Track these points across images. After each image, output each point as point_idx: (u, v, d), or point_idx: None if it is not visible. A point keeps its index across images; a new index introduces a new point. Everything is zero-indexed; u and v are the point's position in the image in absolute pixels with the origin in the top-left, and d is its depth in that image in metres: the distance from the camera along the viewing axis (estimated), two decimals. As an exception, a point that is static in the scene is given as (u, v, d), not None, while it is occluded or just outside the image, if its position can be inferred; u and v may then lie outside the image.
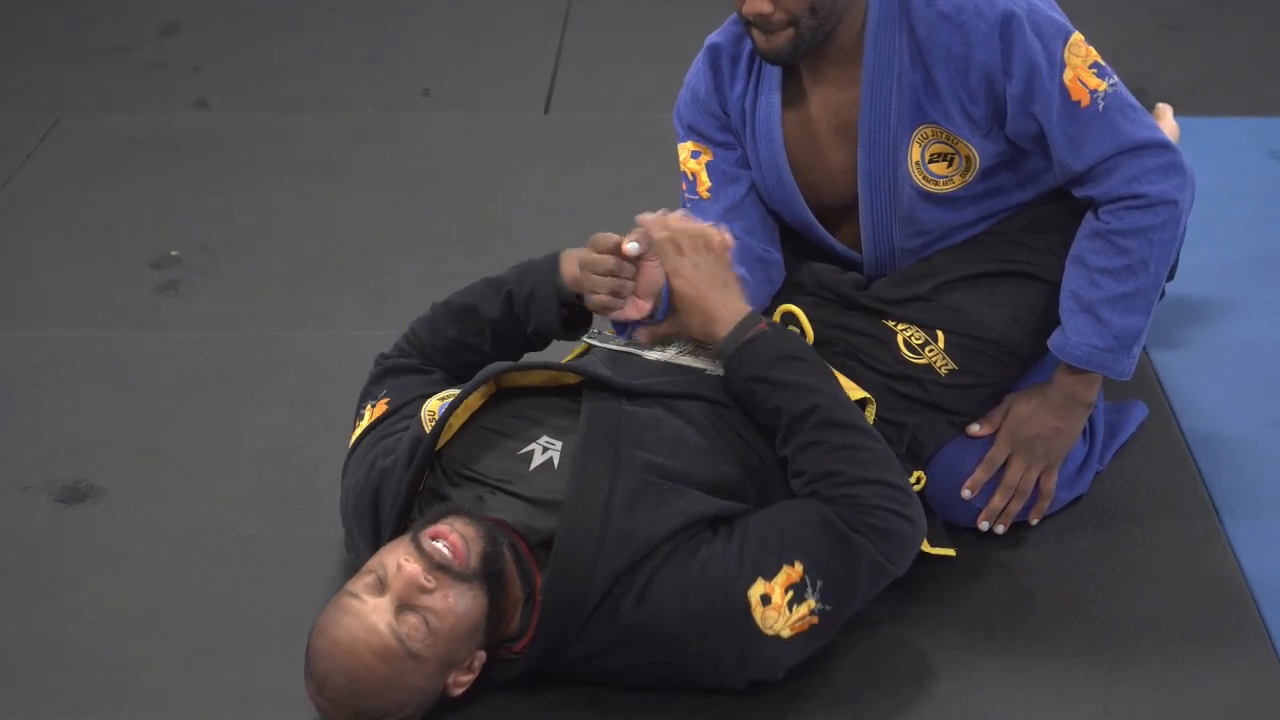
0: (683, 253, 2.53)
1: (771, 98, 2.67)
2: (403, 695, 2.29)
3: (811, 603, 2.34)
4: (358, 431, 2.65)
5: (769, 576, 2.33)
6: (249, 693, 2.47)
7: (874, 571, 2.37)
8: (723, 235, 2.56)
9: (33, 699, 2.47)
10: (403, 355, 2.74)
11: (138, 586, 2.69)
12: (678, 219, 2.57)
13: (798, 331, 2.62)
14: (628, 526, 2.33)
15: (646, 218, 2.56)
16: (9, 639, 2.59)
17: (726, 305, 2.52)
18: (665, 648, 2.35)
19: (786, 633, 2.33)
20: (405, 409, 2.62)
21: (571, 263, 2.64)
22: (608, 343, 2.65)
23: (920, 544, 2.43)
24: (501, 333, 2.69)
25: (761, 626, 2.33)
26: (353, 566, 2.54)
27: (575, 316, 2.68)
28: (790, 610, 2.33)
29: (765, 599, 2.32)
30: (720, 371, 2.55)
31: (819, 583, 2.33)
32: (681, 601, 2.32)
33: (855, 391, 2.59)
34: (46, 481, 2.92)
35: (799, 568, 2.33)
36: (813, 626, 2.34)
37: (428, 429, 2.46)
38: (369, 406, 2.68)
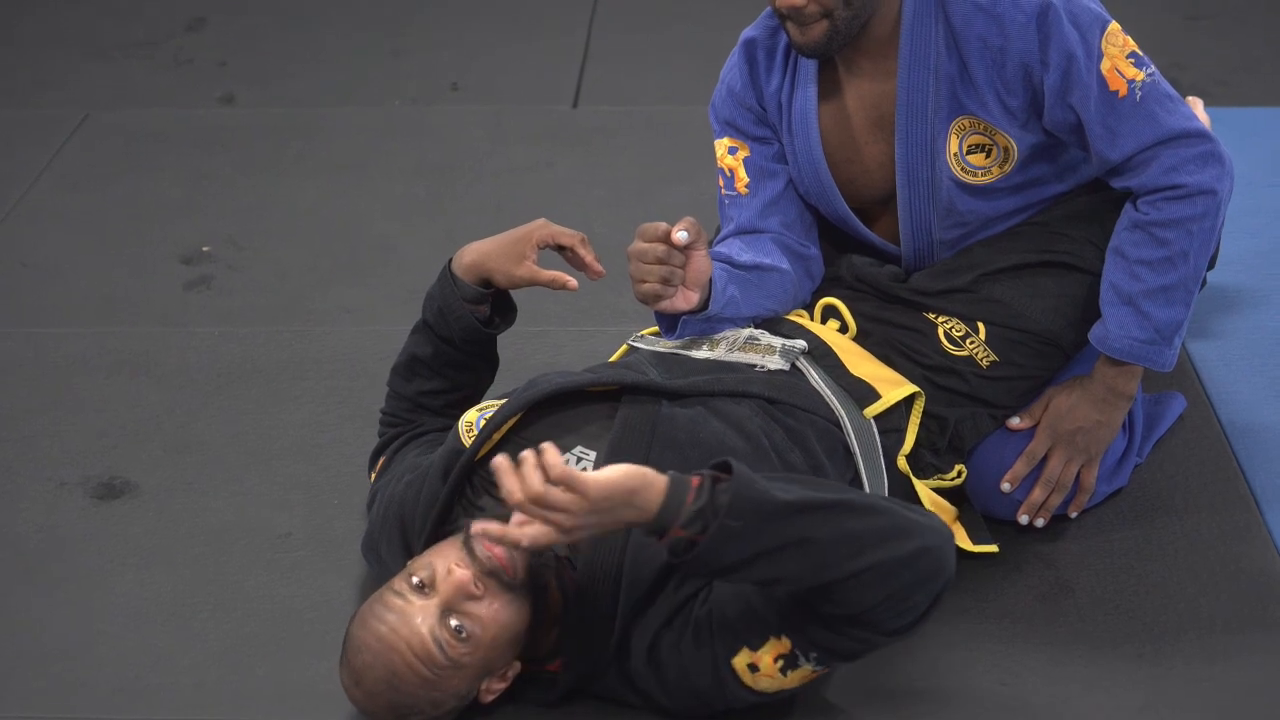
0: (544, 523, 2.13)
1: (807, 91, 2.66)
2: (438, 696, 2.28)
3: (808, 668, 2.27)
4: (373, 478, 2.70)
5: (755, 646, 2.26)
6: (283, 687, 2.47)
7: (878, 645, 2.26)
8: (553, 463, 2.10)
9: (68, 693, 2.47)
10: (382, 436, 2.75)
11: (172, 581, 2.69)
12: (510, 485, 2.11)
13: (839, 325, 2.55)
14: (645, 541, 2.29)
15: (497, 463, 2.12)
16: (45, 633, 2.59)
17: (634, 515, 2.13)
18: (674, 702, 2.32)
19: (790, 687, 2.29)
20: (408, 448, 2.65)
21: (463, 255, 2.64)
22: (653, 344, 2.64)
23: (930, 609, 2.22)
24: (445, 363, 2.69)
25: (754, 688, 2.28)
26: (376, 574, 2.55)
27: (495, 307, 2.69)
28: (785, 675, 2.27)
29: (753, 667, 2.27)
30: (773, 366, 2.53)
31: (812, 654, 2.25)
32: (679, 670, 2.29)
33: (905, 386, 2.58)
34: (82, 477, 2.92)
35: (786, 641, 2.25)
36: (818, 676, 2.30)
37: (466, 442, 2.45)
38: (372, 473, 2.72)
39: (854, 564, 2.15)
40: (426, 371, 2.71)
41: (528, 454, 2.11)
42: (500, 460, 2.11)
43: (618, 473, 2.10)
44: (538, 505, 2.10)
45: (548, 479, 2.09)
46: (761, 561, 2.14)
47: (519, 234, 2.64)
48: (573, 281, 2.61)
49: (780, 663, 2.26)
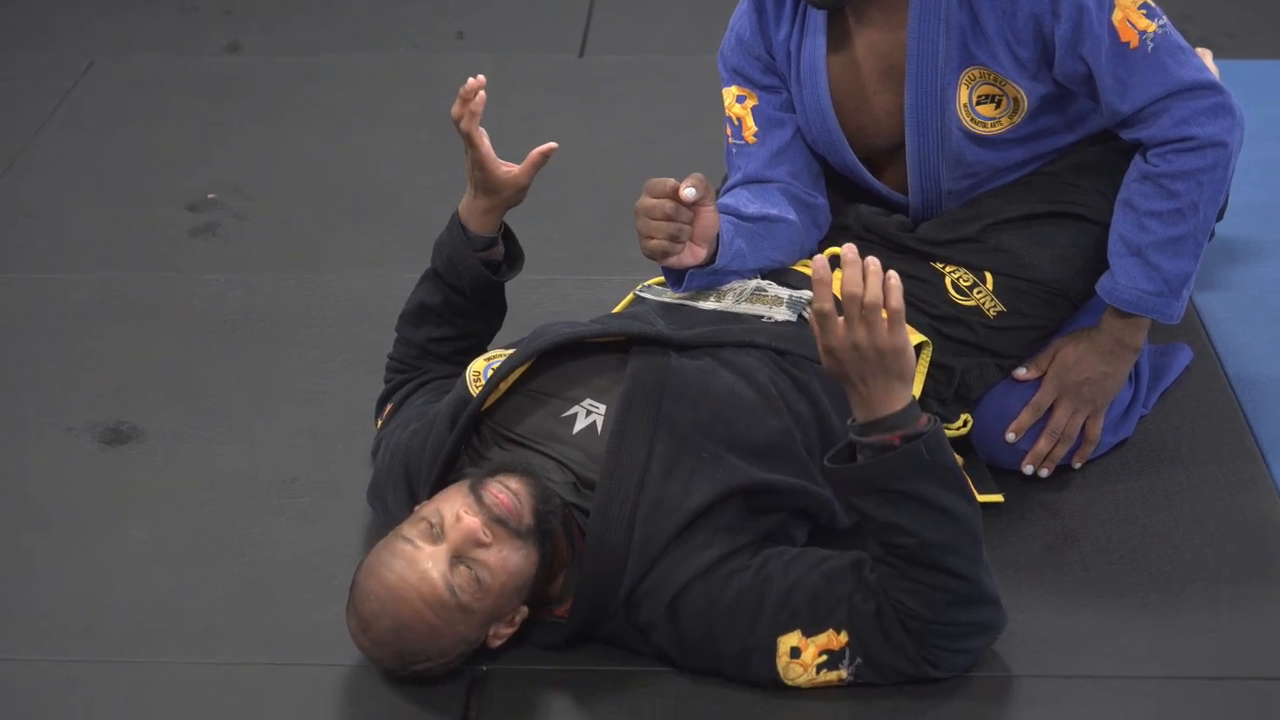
0: (843, 330, 2.18)
1: (816, 40, 2.65)
2: (447, 643, 2.29)
3: (843, 673, 2.28)
4: (379, 424, 2.71)
5: (809, 633, 2.28)
6: (289, 631, 2.48)
7: (914, 675, 2.29)
8: (894, 301, 2.16)
9: (76, 638, 2.48)
10: (389, 382, 2.76)
11: (179, 526, 2.69)
12: (852, 276, 2.18)
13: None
14: (658, 496, 2.31)
15: (823, 270, 2.17)
16: (52, 579, 2.60)
17: (877, 397, 2.20)
18: (688, 658, 2.34)
19: (805, 686, 2.30)
20: (415, 396, 2.66)
21: (468, 208, 2.64)
22: (659, 295, 2.64)
23: (975, 661, 2.32)
24: (455, 311, 2.70)
25: (782, 675, 2.29)
26: (381, 520, 2.56)
27: (507, 254, 2.69)
28: (817, 673, 2.29)
29: (795, 652, 2.28)
30: (780, 318, 2.54)
31: (857, 660, 2.27)
32: (705, 627, 2.30)
33: (913, 335, 2.57)
34: (89, 423, 2.93)
35: (844, 637, 2.27)
36: (832, 687, 2.31)
37: (473, 391, 2.45)
38: (379, 420, 2.72)
39: (960, 563, 2.23)
40: (435, 319, 2.71)
41: (889, 275, 2.16)
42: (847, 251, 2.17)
43: (911, 350, 2.20)
44: (861, 309, 2.15)
45: (888, 307, 2.15)
46: (908, 504, 2.20)
47: (470, 169, 2.63)
48: (544, 148, 2.60)
49: (823, 658, 2.28)
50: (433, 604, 2.25)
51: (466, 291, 2.68)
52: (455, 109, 2.59)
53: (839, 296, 2.18)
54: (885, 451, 2.20)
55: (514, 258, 2.73)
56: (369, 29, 4.41)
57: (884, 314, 2.16)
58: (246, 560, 2.62)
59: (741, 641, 2.29)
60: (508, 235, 2.72)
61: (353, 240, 3.46)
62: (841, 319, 2.17)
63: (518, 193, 2.64)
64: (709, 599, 2.30)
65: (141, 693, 2.39)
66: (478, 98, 2.58)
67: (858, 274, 2.16)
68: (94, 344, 3.15)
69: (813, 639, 2.28)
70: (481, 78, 2.58)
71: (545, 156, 2.60)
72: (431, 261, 2.71)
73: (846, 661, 2.28)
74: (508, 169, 2.62)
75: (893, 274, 2.17)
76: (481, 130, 2.60)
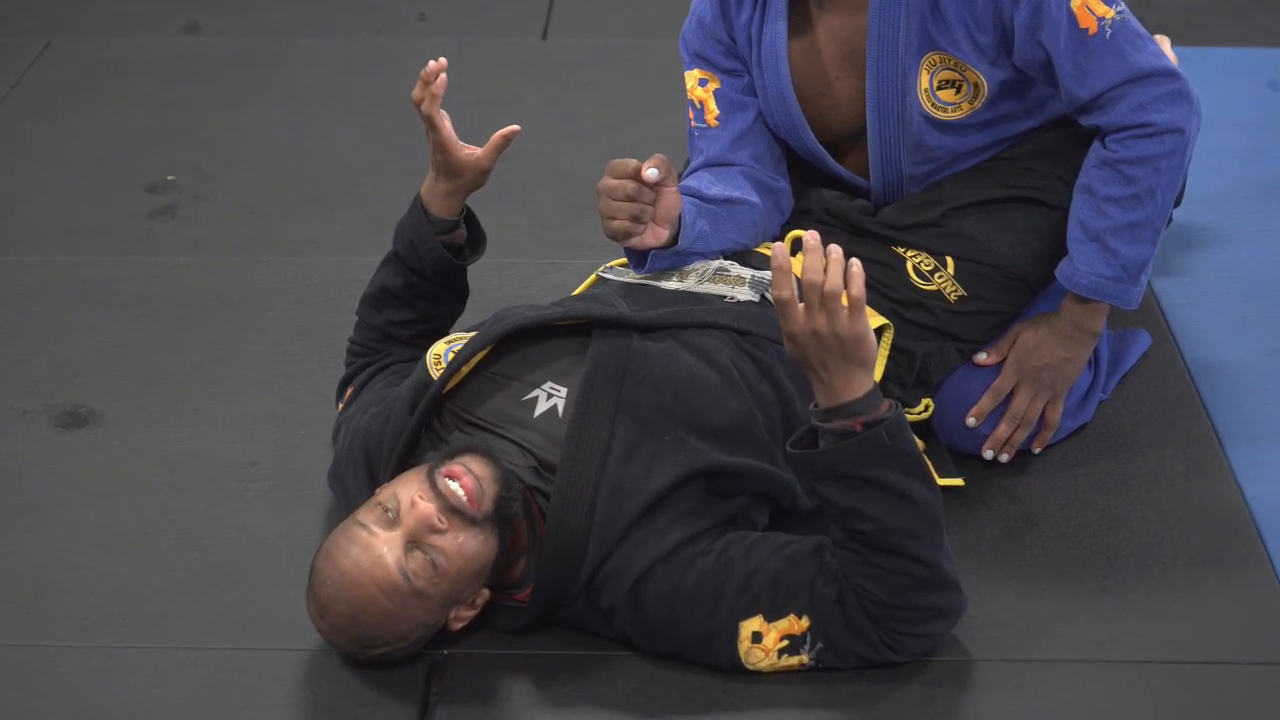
0: (804, 317, 2.18)
1: (777, 26, 2.65)
2: (404, 628, 2.29)
3: (804, 658, 2.29)
4: (340, 408, 2.69)
5: (770, 617, 2.28)
6: (248, 616, 2.47)
7: (874, 660, 2.30)
8: (855, 289, 2.17)
9: (32, 623, 2.47)
10: (349, 365, 2.75)
11: (137, 511, 2.68)
12: (812, 263, 2.17)
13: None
14: (619, 479, 2.32)
15: (781, 258, 2.17)
16: (7, 562, 2.58)
17: (839, 383, 2.20)
18: (650, 641, 2.34)
19: (766, 671, 2.31)
20: (375, 380, 2.65)
21: (429, 191, 2.63)
22: (622, 275, 2.63)
23: (935, 645, 2.33)
24: (416, 294, 2.69)
25: (744, 660, 2.30)
26: (341, 504, 2.55)
27: (468, 238, 2.68)
28: (779, 658, 2.29)
29: (757, 636, 2.28)
30: (743, 298, 2.53)
31: (819, 645, 2.28)
32: (668, 610, 2.30)
33: (874, 318, 2.58)
34: (45, 406, 2.91)
35: (805, 622, 2.28)
36: (793, 671, 2.31)
37: (434, 374, 2.44)
38: (340, 404, 2.71)
39: (920, 548, 2.24)
40: (396, 302, 2.70)
41: (852, 263, 2.16)
42: (808, 238, 2.17)
43: (872, 338, 2.19)
44: (821, 298, 2.15)
45: (849, 295, 2.16)
46: (869, 489, 2.20)
47: (431, 151, 2.61)
48: (506, 130, 2.59)
49: (784, 643, 2.28)
50: (387, 590, 2.24)
51: (428, 274, 2.67)
52: (416, 91, 2.58)
53: (800, 282, 2.18)
54: (846, 437, 2.20)
55: (476, 241, 2.72)
56: (330, 10, 4.39)
57: (845, 301, 2.16)
58: (205, 545, 2.61)
59: (703, 625, 2.30)
60: (470, 219, 2.71)
61: (314, 224, 3.45)
62: (802, 305, 2.18)
63: (480, 175, 2.63)
64: (671, 583, 2.30)
65: (95, 679, 2.38)
66: (439, 80, 2.56)
67: (818, 261, 2.16)
68: (51, 327, 3.13)
69: (774, 624, 2.28)
70: (443, 60, 2.57)
71: (507, 139, 2.60)
72: (393, 244, 2.70)
73: (808, 646, 2.29)
74: (469, 152, 2.61)
75: (855, 261, 2.18)
76: (443, 113, 2.59)
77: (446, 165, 2.61)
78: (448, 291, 2.70)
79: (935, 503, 2.26)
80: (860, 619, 2.27)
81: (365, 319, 2.74)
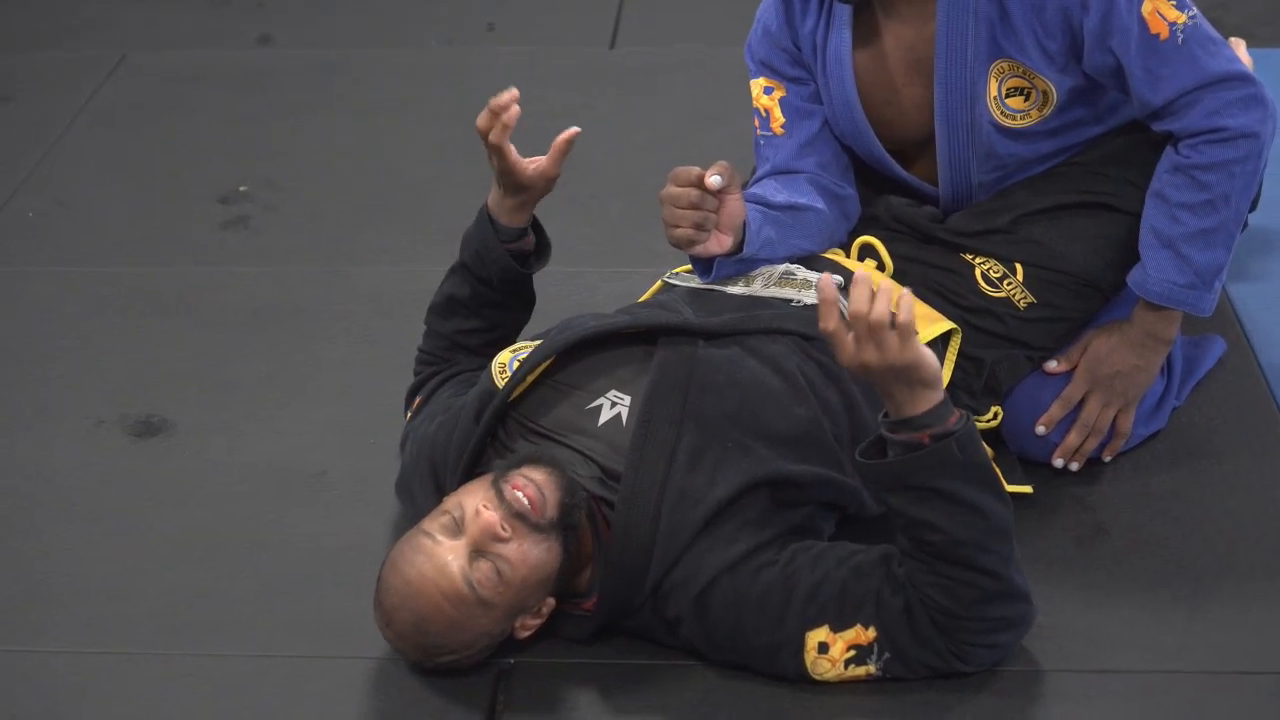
0: (853, 347, 2.18)
1: (842, 34, 2.64)
2: (469, 637, 2.30)
3: (871, 668, 2.28)
4: (409, 417, 2.69)
5: (837, 628, 2.27)
6: (318, 624, 2.48)
7: (943, 670, 2.29)
8: (903, 315, 2.15)
9: (106, 630, 2.49)
10: (418, 375, 2.75)
11: (208, 520, 2.70)
12: (857, 296, 2.16)
13: (876, 264, 2.49)
14: (684, 486, 2.31)
15: (828, 290, 2.17)
16: (83, 570, 2.61)
17: (903, 401, 2.19)
18: (716, 651, 2.34)
19: (833, 681, 2.30)
20: (443, 389, 2.65)
21: (496, 201, 2.62)
22: (687, 281, 2.63)
23: (1005, 656, 2.32)
24: (483, 303, 2.69)
25: (810, 670, 2.29)
26: (409, 514, 2.55)
27: (536, 246, 2.68)
28: (846, 668, 2.28)
29: (824, 647, 2.28)
30: (809, 301, 2.52)
31: (886, 655, 2.27)
32: (734, 621, 2.30)
33: (941, 323, 2.56)
34: (119, 416, 2.94)
35: (872, 632, 2.27)
36: (861, 681, 2.30)
37: (499, 383, 2.45)
38: (409, 412, 2.71)
39: (990, 560, 2.23)
40: (464, 311, 2.71)
41: (902, 293, 2.15)
42: (859, 274, 2.16)
43: (931, 359, 2.17)
44: (868, 330, 2.14)
45: (894, 323, 2.15)
46: (938, 501, 2.19)
47: (492, 162, 2.60)
48: (567, 134, 2.57)
49: (851, 653, 2.27)
50: (451, 598, 2.25)
51: (494, 283, 2.67)
52: (483, 120, 2.54)
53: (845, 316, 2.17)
54: (915, 449, 2.19)
55: (542, 249, 2.72)
56: (399, 21, 4.41)
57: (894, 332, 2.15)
58: (275, 553, 2.62)
59: (769, 635, 2.29)
60: (536, 227, 2.71)
61: (383, 234, 3.46)
62: (851, 336, 2.16)
63: (548, 184, 2.63)
64: (737, 592, 2.29)
65: (169, 685, 2.40)
66: (510, 112, 2.54)
67: (865, 293, 2.15)
68: (124, 337, 3.16)
69: (840, 634, 2.27)
70: (514, 91, 2.54)
71: (570, 142, 2.58)
72: (460, 254, 2.71)
73: (875, 657, 2.27)
74: (535, 166, 2.60)
75: (906, 292, 2.16)
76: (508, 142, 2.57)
77: (515, 184, 2.61)
78: (514, 300, 2.71)
79: (1006, 514, 2.24)
80: (928, 629, 2.25)
81: (433, 327, 2.75)
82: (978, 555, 2.22)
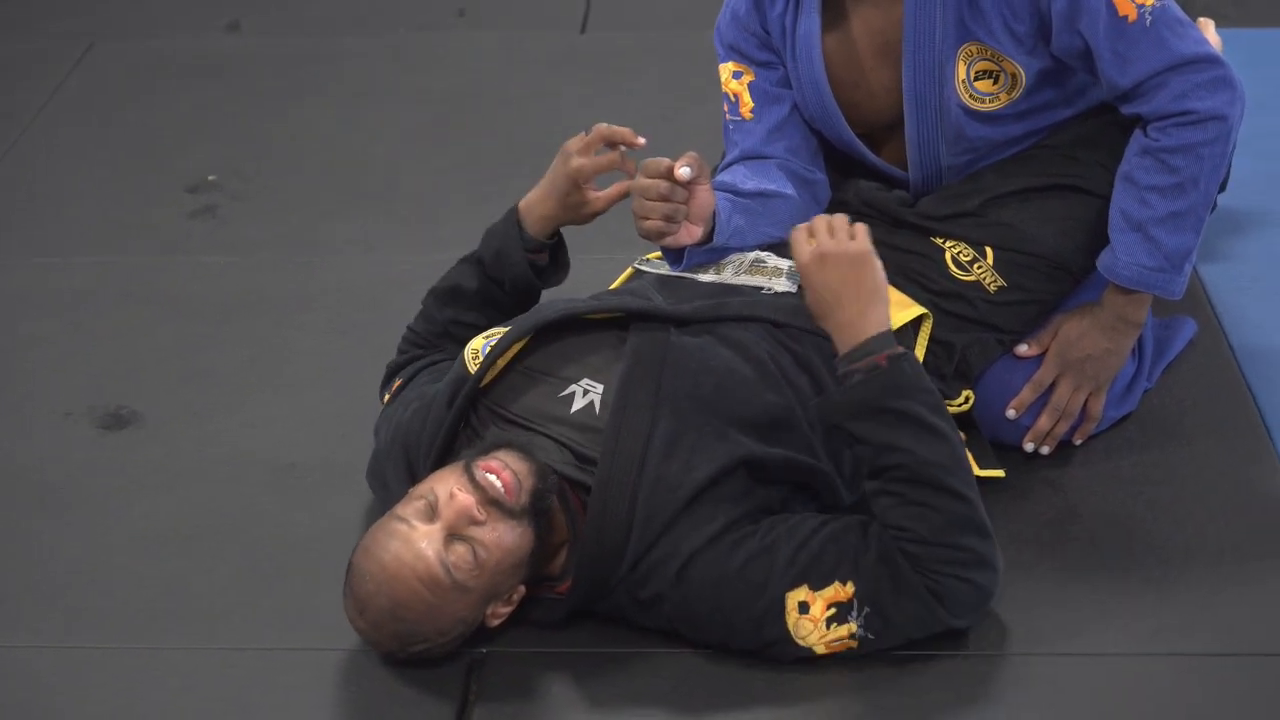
0: (815, 237, 2.36)
1: (811, 18, 2.63)
2: (444, 623, 2.29)
3: (853, 626, 2.29)
4: (386, 398, 2.69)
5: (816, 586, 2.29)
6: (290, 615, 2.47)
7: (925, 620, 2.30)
8: (860, 230, 2.37)
9: (76, 622, 2.48)
10: (403, 354, 2.75)
11: (178, 510, 2.69)
12: (826, 235, 2.37)
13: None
14: (661, 471, 2.32)
15: (799, 236, 2.39)
16: (54, 562, 2.60)
17: (854, 317, 2.33)
18: (698, 629, 2.34)
19: (820, 649, 2.31)
20: (421, 375, 2.65)
21: (531, 207, 2.65)
22: (657, 268, 2.63)
23: (988, 602, 2.34)
24: (487, 301, 2.69)
25: (794, 634, 2.30)
26: (381, 500, 2.55)
27: (552, 260, 2.69)
28: (828, 628, 2.29)
29: (804, 606, 2.29)
30: (779, 289, 2.54)
31: (865, 609, 2.29)
32: (715, 596, 2.30)
33: (912, 308, 2.56)
34: (88, 407, 2.92)
35: (850, 588, 2.28)
36: (850, 649, 2.31)
37: (471, 368, 2.44)
38: (386, 394, 2.70)
39: (956, 483, 2.28)
40: (466, 303, 2.70)
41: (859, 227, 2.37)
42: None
43: (880, 271, 2.36)
44: (827, 225, 2.37)
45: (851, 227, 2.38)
46: (904, 424, 2.28)
47: (564, 183, 2.63)
48: (630, 181, 2.58)
49: (831, 611, 2.28)
50: (428, 582, 2.24)
51: (505, 286, 2.67)
52: (606, 137, 2.59)
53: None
54: (874, 372, 2.27)
55: (560, 266, 2.72)
56: (369, 8, 4.40)
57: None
58: (246, 544, 2.62)
59: (752, 606, 2.30)
60: (558, 244, 2.71)
61: (353, 223, 3.45)
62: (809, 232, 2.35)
63: (590, 217, 2.67)
64: (718, 566, 2.30)
65: (139, 678, 2.39)
66: (627, 162, 2.59)
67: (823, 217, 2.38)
68: (92, 327, 3.14)
69: (820, 592, 2.28)
70: (643, 140, 2.60)
71: (623, 196, 2.62)
72: (480, 247, 2.70)
73: (855, 613, 2.28)
74: (596, 195, 2.64)
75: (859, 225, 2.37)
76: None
77: (576, 204, 2.63)
78: (518, 306, 2.69)
79: (961, 445, 2.32)
80: (905, 572, 2.27)
81: (430, 311, 2.74)
82: (945, 476, 2.27)
